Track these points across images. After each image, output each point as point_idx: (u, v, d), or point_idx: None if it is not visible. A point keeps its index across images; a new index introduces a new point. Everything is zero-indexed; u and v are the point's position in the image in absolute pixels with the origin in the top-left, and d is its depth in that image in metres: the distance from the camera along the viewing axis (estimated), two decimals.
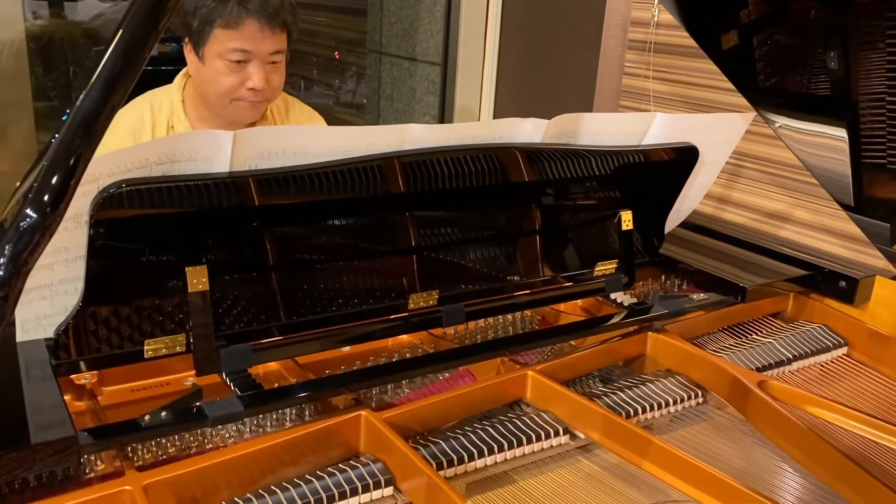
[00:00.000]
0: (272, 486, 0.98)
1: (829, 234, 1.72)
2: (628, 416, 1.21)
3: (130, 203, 0.98)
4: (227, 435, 1.09)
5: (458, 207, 1.35)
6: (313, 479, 1.00)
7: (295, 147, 1.05)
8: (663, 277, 1.65)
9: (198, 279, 1.05)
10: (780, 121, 1.72)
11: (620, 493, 1.08)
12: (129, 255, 1.04)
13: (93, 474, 0.98)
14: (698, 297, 1.49)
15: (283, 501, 0.96)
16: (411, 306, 1.31)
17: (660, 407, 1.25)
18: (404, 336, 1.42)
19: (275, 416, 1.14)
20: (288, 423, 1.13)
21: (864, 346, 1.48)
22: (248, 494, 0.96)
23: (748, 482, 1.03)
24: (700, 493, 1.04)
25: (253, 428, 1.12)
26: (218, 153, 1.00)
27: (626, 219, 1.47)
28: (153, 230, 1.04)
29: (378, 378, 1.18)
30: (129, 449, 1.02)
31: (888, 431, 1.19)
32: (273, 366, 1.27)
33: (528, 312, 1.51)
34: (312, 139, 1.06)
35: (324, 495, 0.98)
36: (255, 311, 1.15)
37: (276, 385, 1.16)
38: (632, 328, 1.41)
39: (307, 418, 1.14)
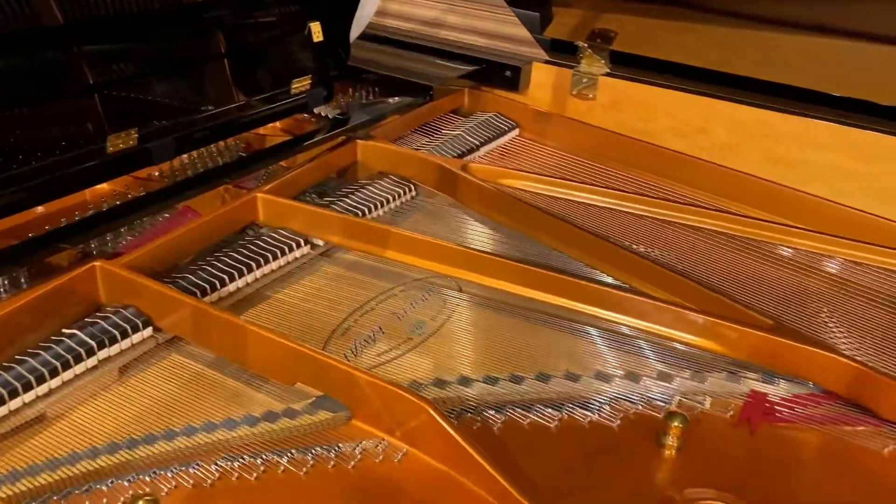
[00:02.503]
0: (16, 357, 0.89)
1: (494, 35, 1.86)
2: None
3: None
4: None
5: (134, 37, 1.24)
6: (64, 339, 0.92)
7: None
8: (353, 90, 1.69)
9: None
10: None
11: (368, 284, 1.17)
12: None
13: None
14: (393, 100, 1.57)
15: (37, 366, 0.88)
16: (111, 150, 1.20)
17: (381, 206, 1.34)
18: (104, 186, 1.31)
19: None
20: (3, 295, 1.01)
21: (531, 125, 1.70)
22: None
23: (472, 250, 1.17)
24: (437, 266, 1.16)
25: None
26: None
27: (316, 30, 1.46)
28: None
29: (101, 226, 1.10)
30: None
31: (565, 186, 1.42)
32: None
33: (230, 141, 1.47)
34: None
35: (81, 350, 0.92)
36: None
37: None
38: (339, 139, 1.45)
39: (24, 286, 1.03)
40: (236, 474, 0.80)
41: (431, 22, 1.92)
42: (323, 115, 1.51)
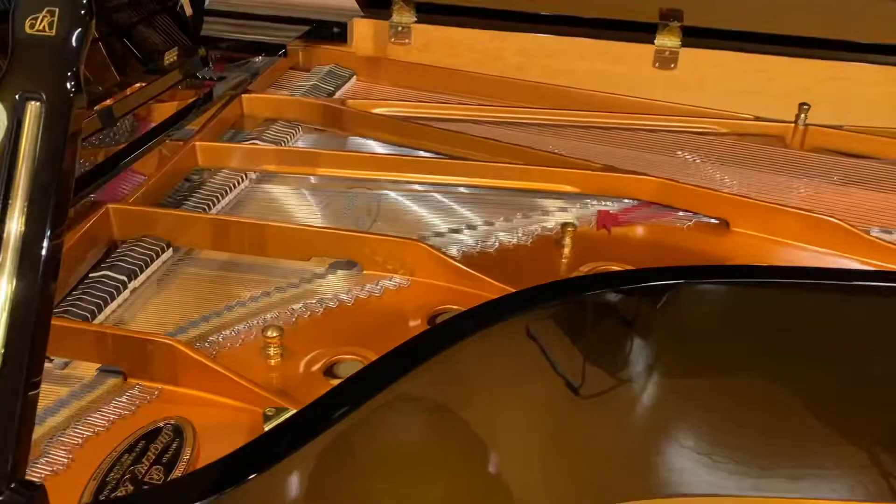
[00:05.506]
0: (91, 280, 1.11)
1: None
2: None
3: None
4: None
5: None
6: (118, 262, 1.15)
7: None
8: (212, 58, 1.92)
9: None
10: None
11: (299, 202, 1.47)
12: None
13: None
14: (258, 59, 1.85)
15: (114, 281, 1.11)
16: None
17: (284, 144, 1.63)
18: None
19: None
20: None
21: (365, 71, 2.04)
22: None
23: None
24: (359, 172, 1.50)
25: None
26: None
27: (187, 3, 1.69)
28: None
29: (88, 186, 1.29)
30: None
31: (422, 107, 1.81)
32: None
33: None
34: None
35: (135, 268, 1.15)
36: None
37: None
38: (226, 97, 1.70)
39: None
40: (308, 313, 1.11)
41: None
42: (208, 78, 1.75)
